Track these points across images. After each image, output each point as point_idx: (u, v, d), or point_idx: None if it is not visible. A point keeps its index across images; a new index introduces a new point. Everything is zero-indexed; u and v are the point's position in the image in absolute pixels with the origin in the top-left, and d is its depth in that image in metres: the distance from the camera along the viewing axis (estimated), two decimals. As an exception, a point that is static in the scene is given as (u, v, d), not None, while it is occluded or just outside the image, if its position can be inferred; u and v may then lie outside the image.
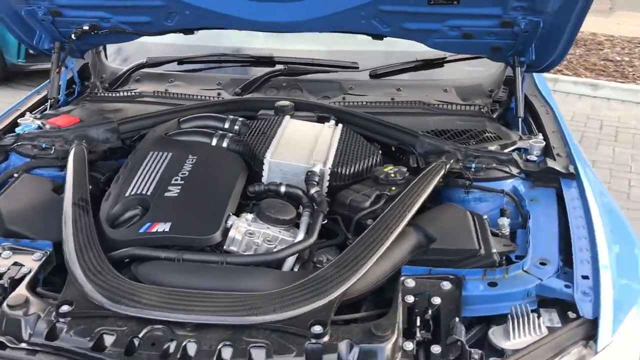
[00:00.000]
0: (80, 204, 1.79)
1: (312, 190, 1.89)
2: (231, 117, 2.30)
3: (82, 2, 2.31)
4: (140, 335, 1.41)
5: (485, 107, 2.50)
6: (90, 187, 2.01)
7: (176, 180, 1.90)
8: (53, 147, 2.16)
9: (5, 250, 1.72)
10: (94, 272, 1.54)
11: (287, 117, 2.30)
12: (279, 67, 2.67)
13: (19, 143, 2.19)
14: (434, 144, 2.14)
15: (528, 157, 2.11)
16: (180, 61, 2.79)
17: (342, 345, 1.37)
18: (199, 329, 1.42)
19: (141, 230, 1.71)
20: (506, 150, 2.14)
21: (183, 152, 2.04)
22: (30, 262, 1.67)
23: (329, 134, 2.19)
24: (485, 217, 1.83)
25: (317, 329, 1.38)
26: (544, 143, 2.18)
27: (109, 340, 1.40)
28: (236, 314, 1.43)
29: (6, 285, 1.60)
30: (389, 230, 1.67)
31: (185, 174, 1.93)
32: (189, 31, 2.52)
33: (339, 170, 1.98)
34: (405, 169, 1.98)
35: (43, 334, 1.43)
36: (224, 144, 2.13)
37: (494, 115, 2.49)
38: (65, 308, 1.47)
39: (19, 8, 2.35)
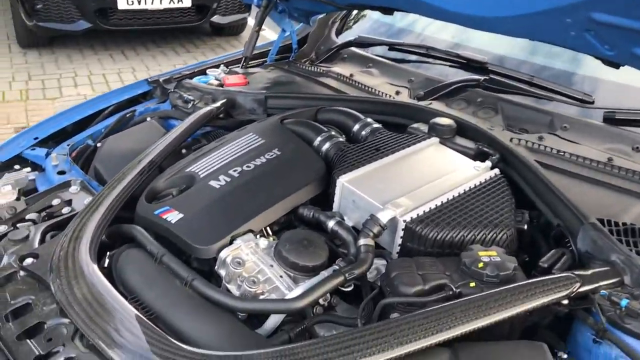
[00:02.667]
0: (146, 167, 1.66)
1: (361, 242, 1.37)
2: (368, 120, 1.85)
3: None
4: (47, 323, 1.24)
5: None
6: (184, 151, 1.89)
7: (235, 170, 1.60)
8: (192, 102, 2.09)
9: (75, 185, 1.73)
10: (75, 239, 1.40)
11: (433, 140, 1.74)
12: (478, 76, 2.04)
13: (173, 90, 2.19)
14: (599, 244, 1.32)
15: None
16: (391, 47, 2.39)
17: None
18: (91, 348, 1.17)
19: (156, 212, 1.50)
20: None
21: (273, 143, 1.72)
22: (80, 206, 1.64)
23: (464, 176, 1.56)
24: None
25: None
26: None
27: (26, 310, 1.28)
28: (127, 353, 1.11)
29: (38, 221, 1.60)
30: (402, 340, 1.08)
31: (250, 166, 1.62)
32: (387, 11, 2.11)
33: (419, 229, 1.38)
34: (512, 264, 1.26)
35: None
36: (324, 147, 1.72)
37: None
38: (28, 260, 1.39)
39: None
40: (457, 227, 1.39)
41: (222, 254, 1.36)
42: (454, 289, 1.23)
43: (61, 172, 1.85)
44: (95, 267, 1.31)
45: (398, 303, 1.24)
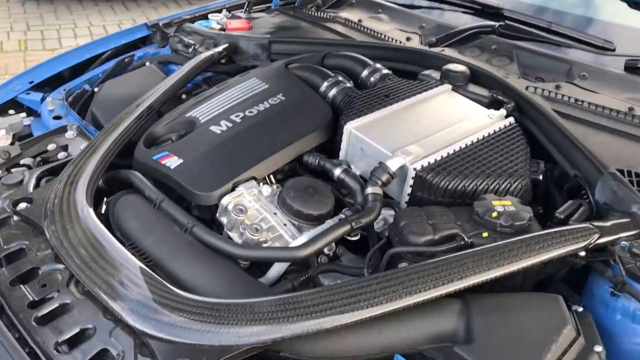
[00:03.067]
0: (144, 112, 1.59)
1: (369, 190, 1.31)
2: (377, 65, 1.77)
3: None
4: (42, 269, 1.19)
5: None
6: (184, 96, 1.82)
7: (237, 115, 1.53)
8: (193, 47, 2.01)
9: (71, 130, 1.67)
10: (71, 184, 1.34)
11: (446, 87, 1.66)
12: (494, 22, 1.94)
13: (173, 34, 2.10)
14: (619, 195, 1.26)
15: None
16: (402, -8, 2.29)
17: None
18: (87, 295, 1.12)
19: (154, 157, 1.43)
20: None
21: (277, 88, 1.64)
22: (76, 151, 1.58)
23: (477, 125, 1.49)
24: (599, 349, 1.00)
25: None
26: None
27: (20, 255, 1.23)
28: (125, 300, 1.06)
29: (33, 166, 1.54)
30: (411, 289, 1.03)
31: (253, 112, 1.55)
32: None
33: (430, 177, 1.32)
34: (528, 214, 1.20)
35: None
36: (331, 93, 1.64)
37: None
38: (22, 205, 1.34)
39: None
40: (469, 176, 1.33)
41: (224, 201, 1.30)
42: (466, 239, 1.17)
43: (57, 117, 1.79)
44: (92, 211, 1.26)
45: (407, 253, 1.18)
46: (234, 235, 1.28)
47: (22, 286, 1.15)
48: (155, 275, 1.11)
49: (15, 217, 1.32)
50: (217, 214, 1.32)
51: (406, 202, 1.36)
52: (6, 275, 1.17)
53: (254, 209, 1.29)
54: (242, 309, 1.02)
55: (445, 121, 1.50)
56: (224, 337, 0.98)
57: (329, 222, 1.27)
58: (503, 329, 1.02)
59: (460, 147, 1.40)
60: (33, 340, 1.04)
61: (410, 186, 1.34)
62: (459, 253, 1.11)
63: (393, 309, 1.01)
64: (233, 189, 1.33)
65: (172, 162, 1.40)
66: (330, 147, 1.54)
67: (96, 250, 1.16)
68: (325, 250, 1.28)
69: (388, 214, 1.37)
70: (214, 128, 1.49)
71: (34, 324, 1.06)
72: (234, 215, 1.26)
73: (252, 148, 1.43)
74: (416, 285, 1.03)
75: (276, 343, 1.00)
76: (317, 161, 1.42)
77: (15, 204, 1.33)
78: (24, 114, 1.86)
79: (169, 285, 1.08)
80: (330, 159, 1.43)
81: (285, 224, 1.27)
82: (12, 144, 1.64)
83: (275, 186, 1.39)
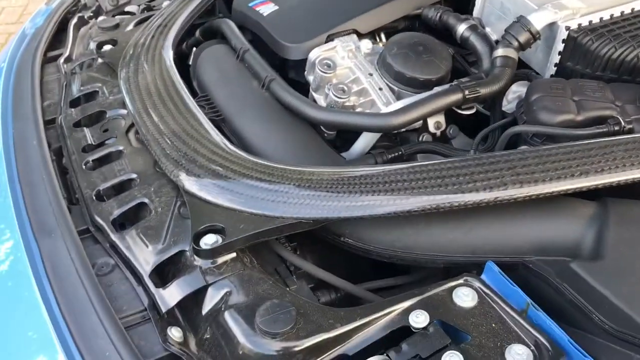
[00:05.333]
0: None
1: (499, 52, 0.98)
2: None
3: None
4: (108, 114, 1.08)
5: None
6: None
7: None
8: None
9: None
10: (157, 28, 1.21)
11: None
12: None
13: None
14: None
15: None
16: None
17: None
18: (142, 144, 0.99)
19: (250, 4, 1.23)
20: None
21: None
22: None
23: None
24: None
25: (207, 239, 0.77)
26: None
27: (91, 97, 1.14)
28: (175, 156, 0.91)
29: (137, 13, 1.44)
30: (523, 177, 0.74)
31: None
32: None
33: (588, 42, 0.95)
34: None
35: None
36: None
37: None
38: (106, 47, 1.24)
39: None
40: (643, 47, 0.94)
41: (312, 55, 1.07)
42: (623, 123, 0.83)
43: None
44: (170, 57, 1.11)
45: (534, 135, 0.87)
46: (318, 97, 1.05)
47: (85, 129, 1.06)
48: (214, 132, 0.93)
49: (100, 60, 1.23)
50: (305, 72, 1.09)
51: (552, 76, 1.02)
52: (73, 117, 1.08)
53: (345, 67, 1.04)
54: (297, 177, 0.81)
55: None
56: (268, 206, 0.79)
57: (437, 89, 0.98)
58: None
59: (646, 9, 1.00)
60: (77, 184, 0.94)
61: (559, 52, 0.98)
62: (606, 139, 0.78)
63: (491, 200, 0.73)
64: (327, 42, 1.09)
65: (267, 9, 1.19)
66: (465, 7, 1.21)
67: (161, 99, 1.02)
68: (431, 127, 1.01)
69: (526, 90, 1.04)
70: (321, -28, 1.24)
71: (83, 166, 0.96)
72: (320, 72, 1.03)
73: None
74: (532, 174, 0.74)
75: (333, 224, 0.79)
76: (438, 15, 1.11)
77: (100, 45, 1.24)
78: None
79: (223, 144, 0.90)
80: (457, 13, 1.11)
81: (380, 88, 1.01)
82: (125, -9, 1.55)
83: (382, 44, 1.12)
